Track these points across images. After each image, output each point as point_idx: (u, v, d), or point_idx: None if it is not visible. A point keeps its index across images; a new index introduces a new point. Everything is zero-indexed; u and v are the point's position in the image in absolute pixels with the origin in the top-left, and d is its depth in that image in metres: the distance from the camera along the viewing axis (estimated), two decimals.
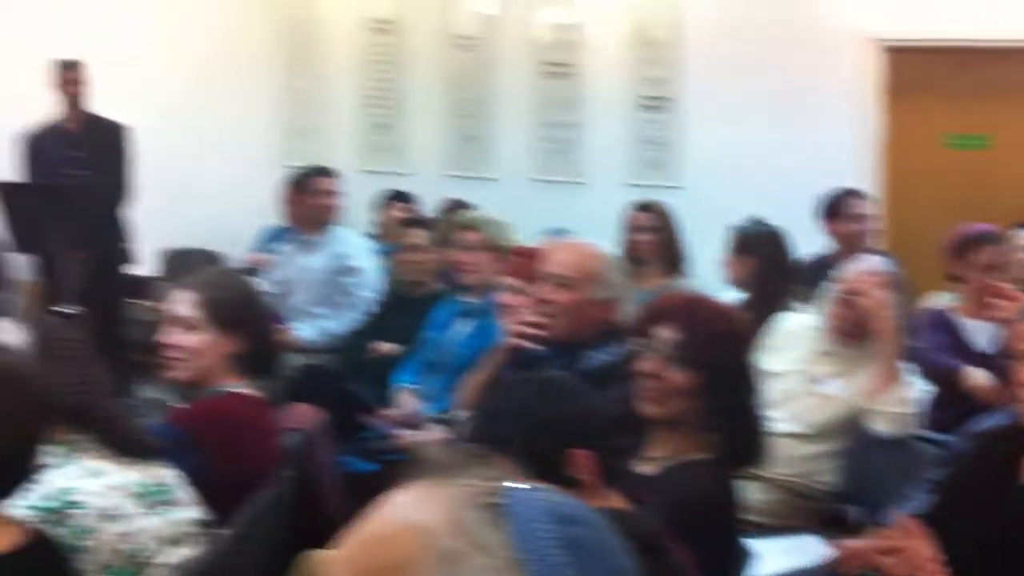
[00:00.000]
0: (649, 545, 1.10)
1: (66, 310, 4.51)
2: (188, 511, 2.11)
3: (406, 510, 0.84)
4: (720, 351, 2.23)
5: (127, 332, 5.31)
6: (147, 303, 5.82)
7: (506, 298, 2.97)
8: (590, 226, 4.76)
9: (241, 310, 2.55)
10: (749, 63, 5.91)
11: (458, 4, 6.62)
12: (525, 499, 0.83)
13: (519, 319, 2.79)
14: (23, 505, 1.77)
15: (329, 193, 5.00)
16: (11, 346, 1.90)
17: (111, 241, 5.48)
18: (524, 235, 4.60)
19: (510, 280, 3.16)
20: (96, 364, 2.11)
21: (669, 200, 4.96)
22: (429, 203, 5.93)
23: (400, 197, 5.92)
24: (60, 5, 6.30)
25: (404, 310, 4.42)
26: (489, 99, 6.60)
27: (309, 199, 4.97)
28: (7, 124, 5.62)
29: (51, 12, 6.22)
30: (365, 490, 2.87)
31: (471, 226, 4.06)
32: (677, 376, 2.17)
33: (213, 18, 6.92)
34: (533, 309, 2.78)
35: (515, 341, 2.77)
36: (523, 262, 3.44)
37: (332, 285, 4.83)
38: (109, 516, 1.94)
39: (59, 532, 1.84)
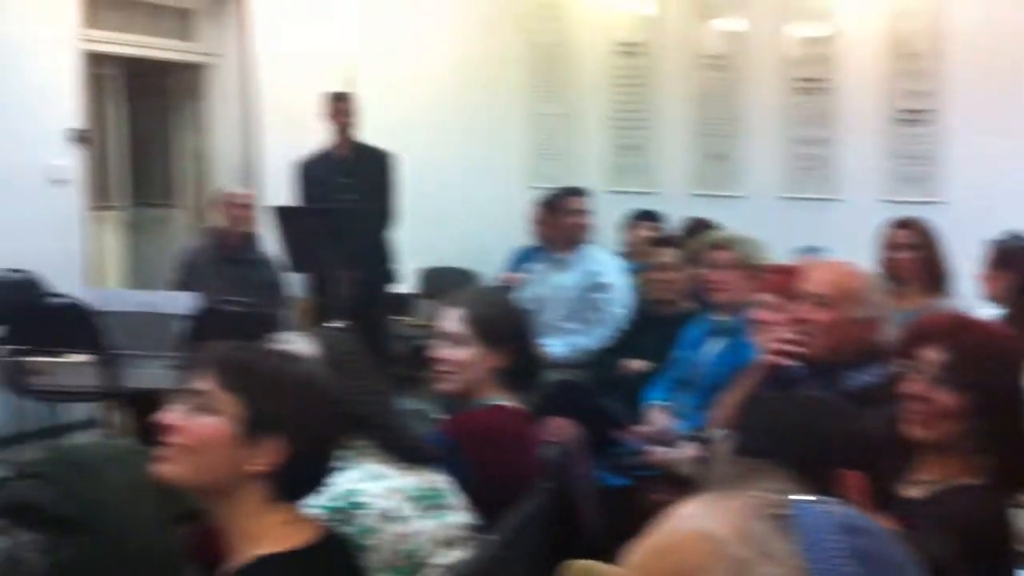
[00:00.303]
0: (937, 565, 1.09)
1: (336, 325, 4.80)
2: (460, 515, 2.21)
3: (696, 519, 0.86)
4: (990, 372, 2.14)
5: (391, 346, 5.59)
6: (408, 319, 6.12)
7: (762, 315, 2.94)
8: (844, 244, 4.66)
9: (506, 326, 2.66)
10: (1015, 71, 5.61)
11: (707, 23, 6.62)
12: (812, 511, 0.85)
13: (776, 336, 2.76)
14: (313, 505, 1.92)
15: (581, 212, 5.10)
16: (304, 356, 2.06)
17: (377, 261, 5.75)
18: (774, 253, 4.55)
19: (766, 297, 3.13)
20: (376, 375, 2.26)
21: (930, 216, 4.77)
22: (676, 222, 5.94)
23: (647, 216, 5.96)
24: (330, 43, 6.72)
25: (653, 328, 4.45)
26: (738, 117, 6.55)
27: (561, 219, 5.09)
28: (284, 152, 6.04)
29: (321, 49, 6.65)
30: (617, 504, 2.91)
31: (722, 245, 4.04)
32: (945, 398, 2.10)
33: (466, 49, 7.20)
34: (790, 327, 2.75)
35: (772, 358, 2.75)
36: (779, 280, 3.40)
37: (583, 301, 4.91)
38: (389, 517, 2.04)
39: (345, 531, 1.97)
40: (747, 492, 0.89)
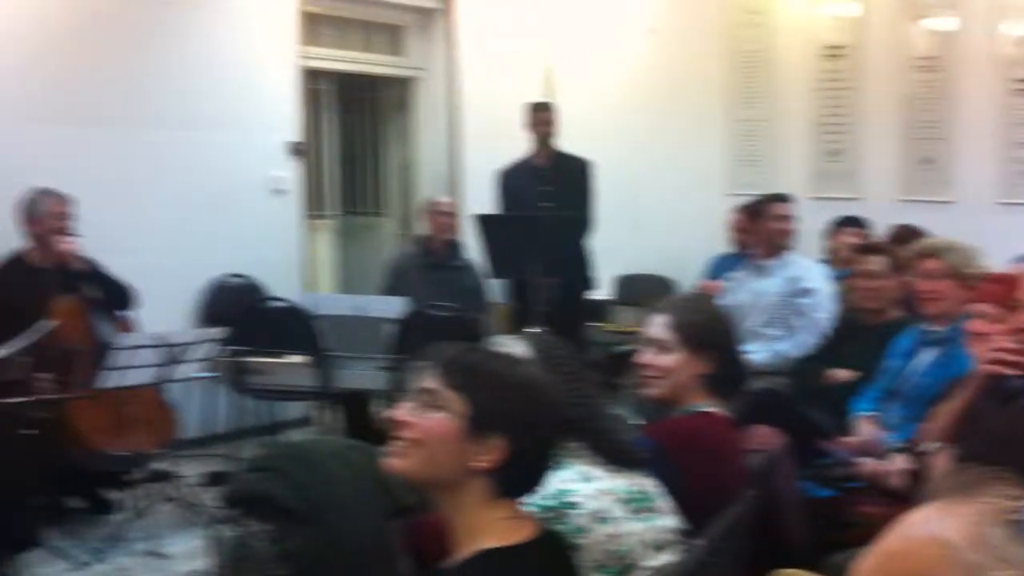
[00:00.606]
0: None
1: (539, 330, 4.89)
2: (667, 519, 2.23)
3: (929, 525, 0.88)
4: None
5: (589, 352, 5.65)
6: (605, 325, 6.17)
7: (978, 326, 2.85)
8: None
9: (711, 333, 2.66)
10: None
11: (915, 24, 6.40)
12: None
13: (995, 347, 2.67)
14: (526, 503, 1.98)
15: (785, 218, 5.03)
16: (523, 359, 2.13)
17: (576, 269, 5.83)
18: (990, 261, 4.36)
19: (983, 307, 3.03)
20: (588, 378, 2.32)
21: None
22: (882, 229, 5.77)
23: (852, 223, 5.81)
24: (531, 54, 6.86)
25: (858, 337, 4.34)
26: (948, 120, 6.30)
27: (765, 225, 5.03)
28: (486, 162, 6.20)
29: (522, 60, 6.79)
30: (823, 515, 2.85)
31: (932, 253, 3.91)
32: None
33: (665, 56, 7.21)
34: (1010, 337, 2.66)
35: (991, 369, 2.66)
36: (997, 289, 3.27)
37: (787, 307, 4.84)
38: (600, 518, 2.07)
39: (557, 529, 2.04)
40: (979, 499, 0.90)
